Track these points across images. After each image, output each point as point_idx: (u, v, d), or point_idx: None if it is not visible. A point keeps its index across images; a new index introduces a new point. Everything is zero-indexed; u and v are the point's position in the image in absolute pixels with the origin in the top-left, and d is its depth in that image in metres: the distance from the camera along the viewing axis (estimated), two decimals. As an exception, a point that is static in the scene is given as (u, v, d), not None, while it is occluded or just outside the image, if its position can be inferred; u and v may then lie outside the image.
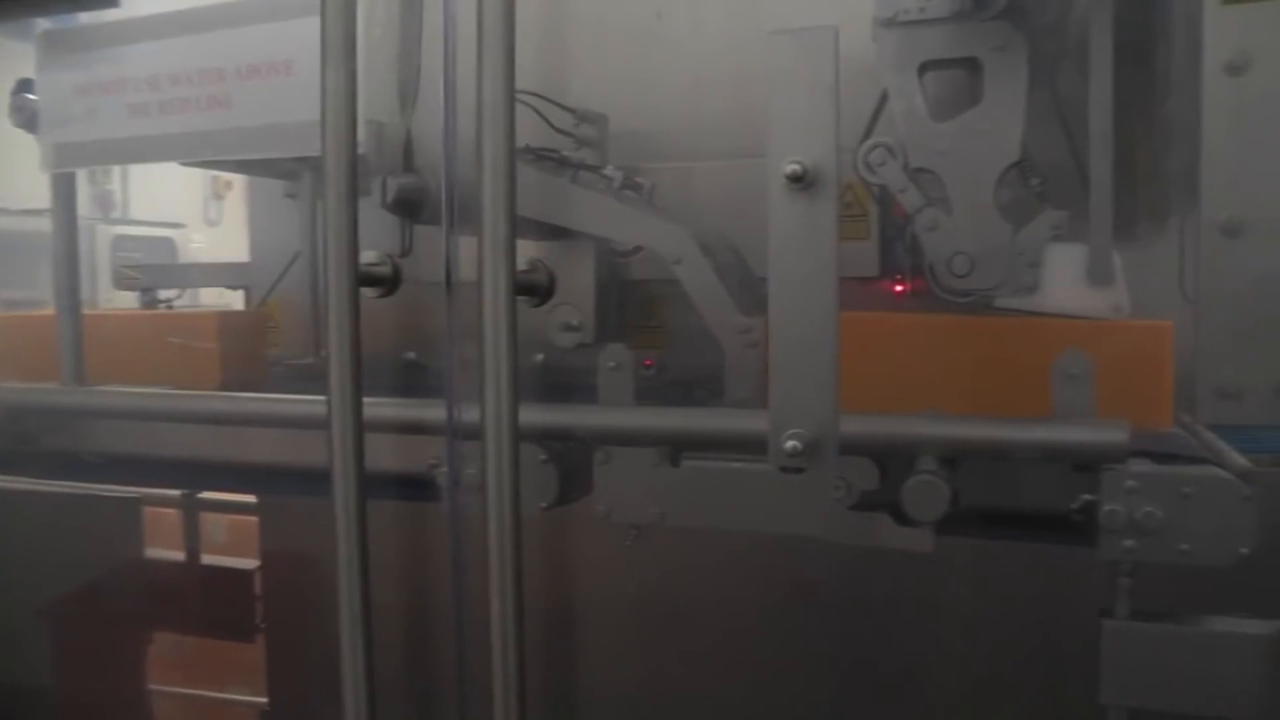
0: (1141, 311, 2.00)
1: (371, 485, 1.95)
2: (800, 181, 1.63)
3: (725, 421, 2.05)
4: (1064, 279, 2.01)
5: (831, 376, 1.68)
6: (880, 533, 1.93)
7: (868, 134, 2.15)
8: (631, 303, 2.62)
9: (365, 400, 1.92)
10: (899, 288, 2.27)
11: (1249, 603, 1.79)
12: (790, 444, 1.67)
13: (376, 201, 2.13)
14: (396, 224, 2.18)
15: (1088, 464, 1.83)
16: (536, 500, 2.04)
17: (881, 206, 2.31)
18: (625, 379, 2.04)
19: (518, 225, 2.08)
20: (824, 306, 1.67)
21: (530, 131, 2.33)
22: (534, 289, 2.11)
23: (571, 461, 2.09)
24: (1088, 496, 1.83)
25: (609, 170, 2.33)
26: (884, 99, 2.12)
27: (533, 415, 1.93)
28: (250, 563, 3.07)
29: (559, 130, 2.43)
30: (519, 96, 2.33)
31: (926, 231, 2.03)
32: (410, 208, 2.14)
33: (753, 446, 1.76)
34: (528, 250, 1.99)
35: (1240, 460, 1.85)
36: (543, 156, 2.27)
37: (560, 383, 2.24)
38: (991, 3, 1.97)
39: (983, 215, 2.01)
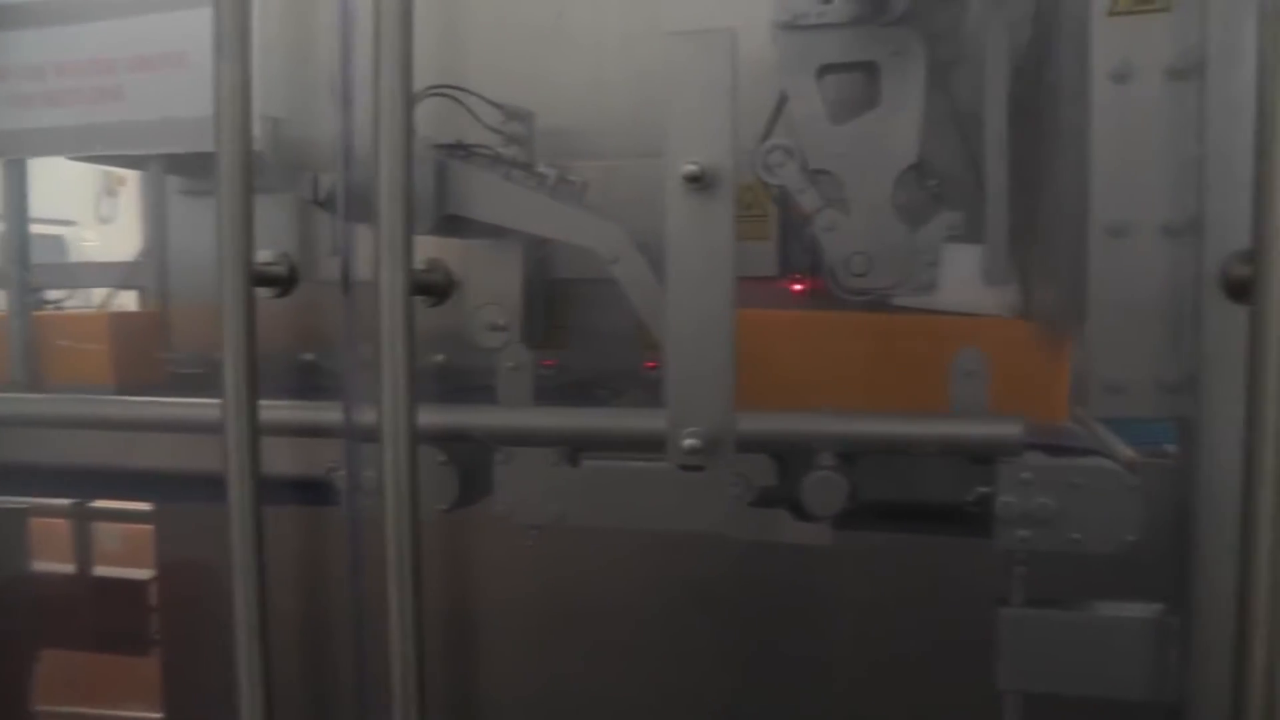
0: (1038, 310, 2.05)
1: (268, 490, 1.91)
2: (697, 182, 1.65)
3: (624, 421, 2.07)
4: (960, 278, 2.06)
5: (728, 375, 1.70)
6: (779, 528, 1.95)
7: (766, 135, 2.17)
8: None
9: (261, 403, 1.89)
10: (798, 287, 2.29)
11: (1136, 588, 1.86)
12: (688, 442, 1.69)
13: (306, 197, 2.09)
14: (294, 222, 2.14)
15: (984, 457, 1.89)
16: (436, 502, 2.03)
17: (781, 207, 2.34)
18: (524, 379, 2.03)
19: (448, 223, 2.06)
20: (720, 306, 1.69)
21: (455, 128, 2.31)
22: (432, 289, 2.09)
23: (471, 463, 2.07)
24: (983, 489, 1.88)
25: (543, 167, 2.31)
26: (782, 101, 2.14)
27: (431, 416, 1.90)
28: (145, 573, 2.99)
29: (488, 126, 2.40)
30: (446, 91, 2.32)
31: (825, 232, 2.05)
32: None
33: (652, 445, 1.77)
34: (427, 249, 1.96)
35: (1127, 451, 1.92)
36: (475, 153, 2.24)
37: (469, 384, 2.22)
38: (889, 9, 2.00)
39: (880, 216, 2.04)
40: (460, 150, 2.19)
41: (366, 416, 1.90)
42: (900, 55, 2.04)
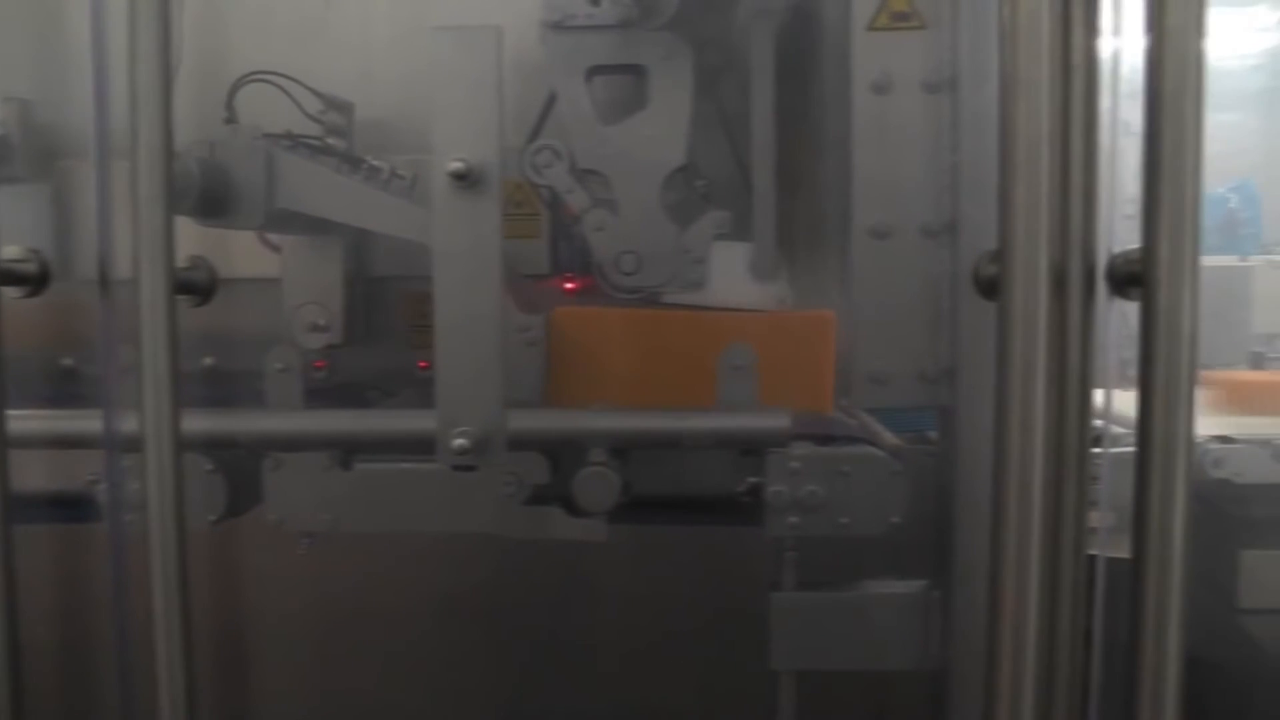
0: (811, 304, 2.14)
1: (20, 507, 1.79)
2: (464, 180, 1.65)
3: (395, 422, 2.03)
4: (729, 275, 2.11)
5: (498, 373, 1.70)
6: (553, 525, 1.96)
7: (534, 135, 2.17)
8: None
9: (12, 413, 1.76)
10: (570, 285, 2.31)
11: (900, 566, 1.99)
12: (458, 442, 1.68)
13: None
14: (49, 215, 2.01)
15: (754, 449, 1.95)
16: (204, 513, 1.94)
17: (551, 207, 2.35)
18: (293, 382, 1.97)
19: (274, 216, 1.97)
20: (489, 304, 1.69)
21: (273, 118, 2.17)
22: (195, 287, 2.00)
23: (241, 470, 1.99)
24: (754, 479, 1.95)
25: (376, 160, 2.22)
26: (551, 101, 2.15)
27: (197, 423, 1.82)
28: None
29: (310, 116, 2.29)
30: (264, 77, 2.22)
31: (594, 231, 2.07)
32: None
33: (425, 446, 1.75)
34: (189, 245, 1.87)
35: (892, 439, 2.02)
36: (300, 143, 2.13)
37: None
38: (658, 13, 2.04)
39: (649, 215, 2.07)
40: (285, 140, 2.08)
41: (128, 424, 1.80)
42: (669, 59, 2.08)
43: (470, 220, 1.67)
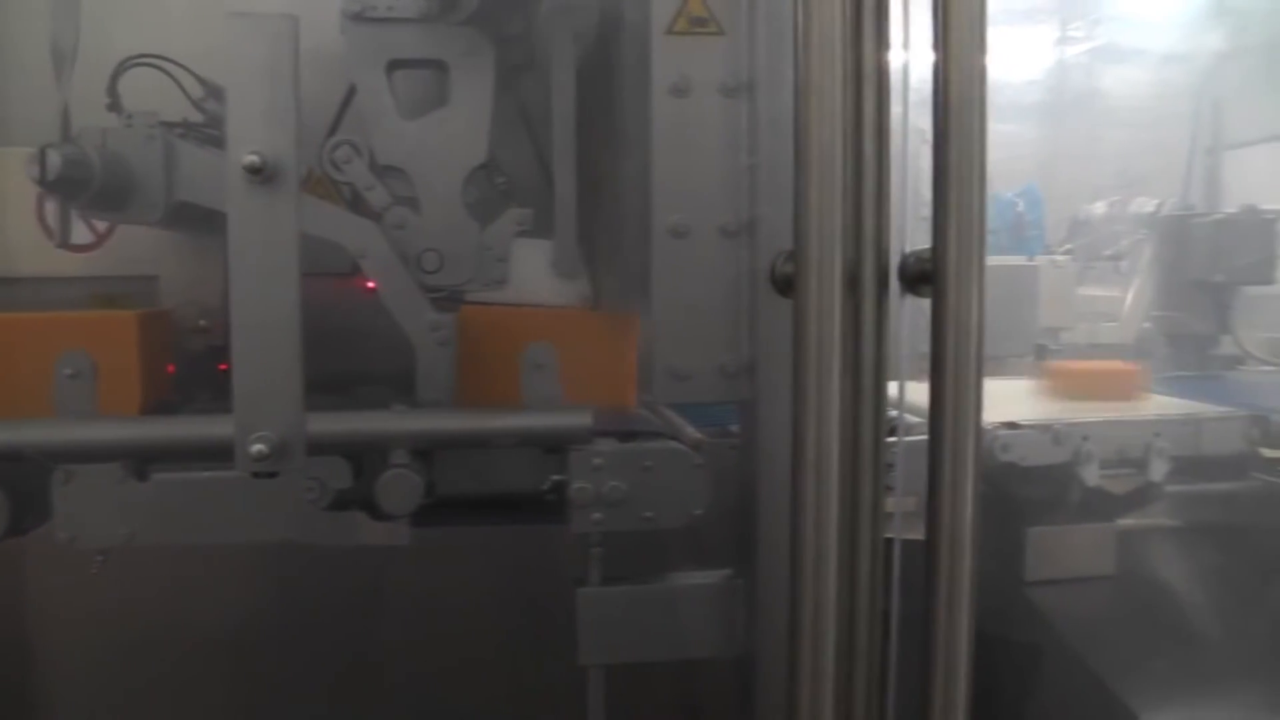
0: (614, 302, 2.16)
1: None
2: (259, 174, 1.59)
3: (192, 429, 1.94)
4: (532, 272, 2.11)
5: (297, 375, 1.65)
6: (357, 530, 1.92)
7: (333, 130, 2.12)
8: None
9: None
10: (372, 285, 2.25)
11: (704, 557, 2.03)
12: (257, 448, 1.62)
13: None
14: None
15: (557, 446, 1.97)
16: (-17, 533, 1.80)
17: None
18: (85, 388, 1.85)
19: (173, 211, 1.84)
20: (287, 303, 1.63)
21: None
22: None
23: (26, 485, 1.87)
24: (558, 477, 1.96)
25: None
26: (351, 94, 2.10)
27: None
28: None
29: (195, 103, 2.17)
30: (151, 61, 2.06)
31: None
32: (72, 187, 1.80)
33: (224, 454, 1.67)
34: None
35: (693, 433, 2.06)
36: (194, 132, 2.01)
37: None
38: (459, 8, 2.02)
39: (451, 213, 2.06)
40: (178, 129, 1.97)
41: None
42: (470, 55, 2.07)
43: (266, 216, 1.61)
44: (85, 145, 1.82)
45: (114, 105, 2.02)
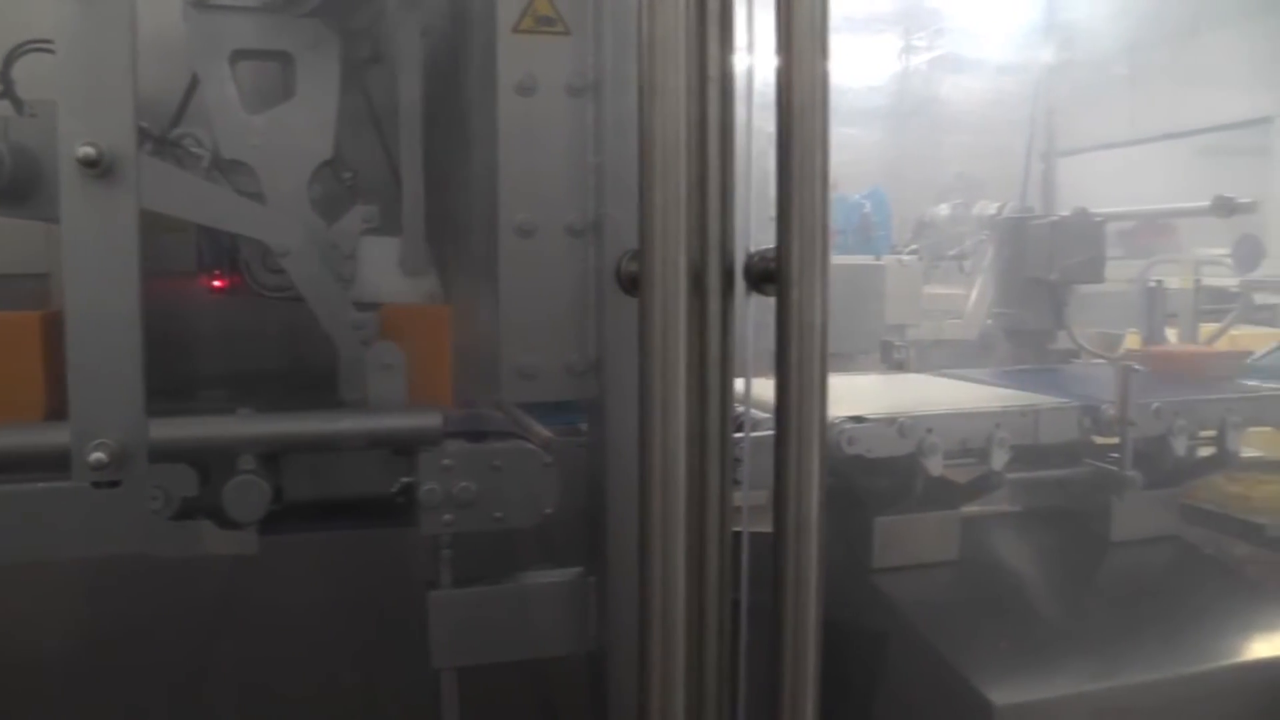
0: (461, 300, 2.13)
1: None
2: (95, 166, 1.52)
3: (25, 437, 1.82)
4: (378, 270, 2.08)
5: (137, 379, 1.59)
6: (203, 540, 1.86)
7: (176, 121, 2.05)
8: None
9: None
10: (218, 284, 2.18)
11: (555, 555, 2.03)
12: (96, 456, 1.56)
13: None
14: None
15: (406, 448, 1.94)
16: None
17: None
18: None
19: None
20: (126, 304, 1.58)
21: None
22: None
23: None
24: (407, 479, 1.94)
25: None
26: (194, 85, 2.03)
27: None
28: None
29: None
30: (45, 47, 1.91)
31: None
32: None
33: (59, 463, 1.61)
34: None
35: (543, 432, 2.06)
36: None
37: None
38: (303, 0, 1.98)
39: (296, 209, 2.01)
40: None
41: None
42: (315, 47, 2.03)
43: (103, 211, 1.55)
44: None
45: (7, 93, 1.94)
